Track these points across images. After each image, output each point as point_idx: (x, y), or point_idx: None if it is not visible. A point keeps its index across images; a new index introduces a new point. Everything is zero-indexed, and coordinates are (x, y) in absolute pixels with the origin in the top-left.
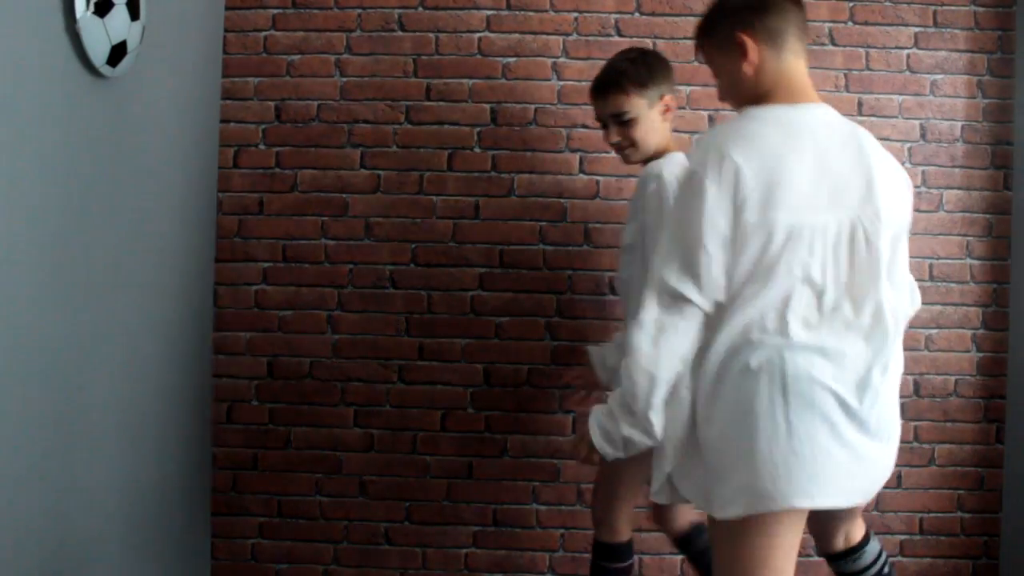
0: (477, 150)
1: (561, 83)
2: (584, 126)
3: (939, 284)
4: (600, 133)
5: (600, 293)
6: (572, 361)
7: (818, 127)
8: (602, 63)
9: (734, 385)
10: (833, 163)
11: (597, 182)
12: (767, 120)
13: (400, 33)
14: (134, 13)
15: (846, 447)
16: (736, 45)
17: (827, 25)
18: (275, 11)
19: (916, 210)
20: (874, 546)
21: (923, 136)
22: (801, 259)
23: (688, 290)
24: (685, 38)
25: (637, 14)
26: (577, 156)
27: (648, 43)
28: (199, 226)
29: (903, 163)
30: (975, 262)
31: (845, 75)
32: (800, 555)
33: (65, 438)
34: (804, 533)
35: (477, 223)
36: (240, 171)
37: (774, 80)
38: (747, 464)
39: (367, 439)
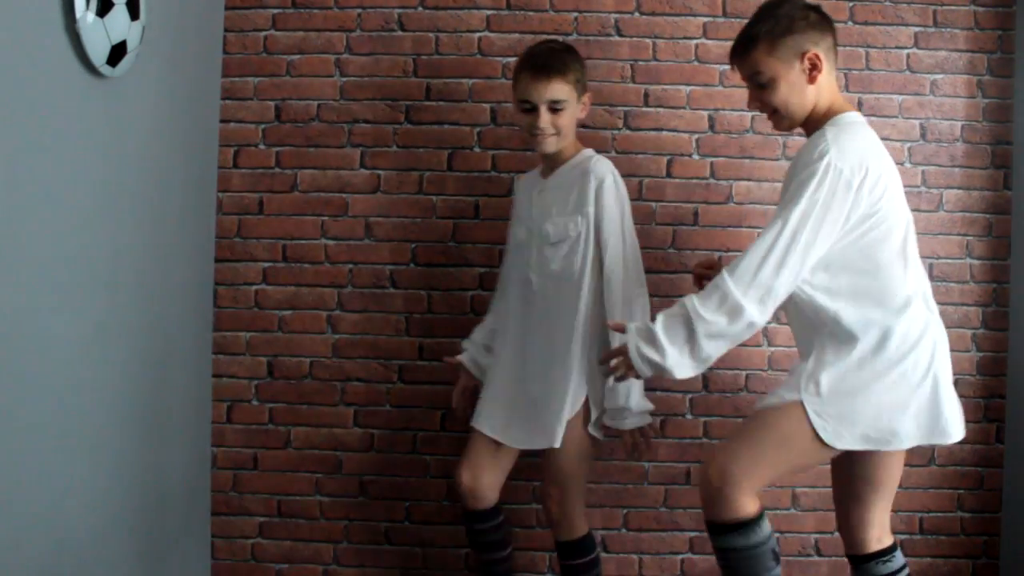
0: (477, 150)
1: None
2: (584, 125)
3: (939, 284)
4: (598, 133)
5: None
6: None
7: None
8: (602, 63)
9: None
10: None
11: None
12: (864, 125)
13: (400, 33)
14: (134, 13)
15: None
16: (806, 63)
17: None
18: (275, 11)
19: (916, 210)
20: (901, 557)
21: (923, 136)
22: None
23: None
24: (685, 38)
25: (637, 14)
26: None
27: (648, 43)
28: (199, 226)
29: (903, 163)
30: (975, 262)
31: (845, 75)
32: (800, 555)
33: (65, 438)
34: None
35: (477, 223)
36: (240, 171)
37: (830, 94)
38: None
39: (367, 439)
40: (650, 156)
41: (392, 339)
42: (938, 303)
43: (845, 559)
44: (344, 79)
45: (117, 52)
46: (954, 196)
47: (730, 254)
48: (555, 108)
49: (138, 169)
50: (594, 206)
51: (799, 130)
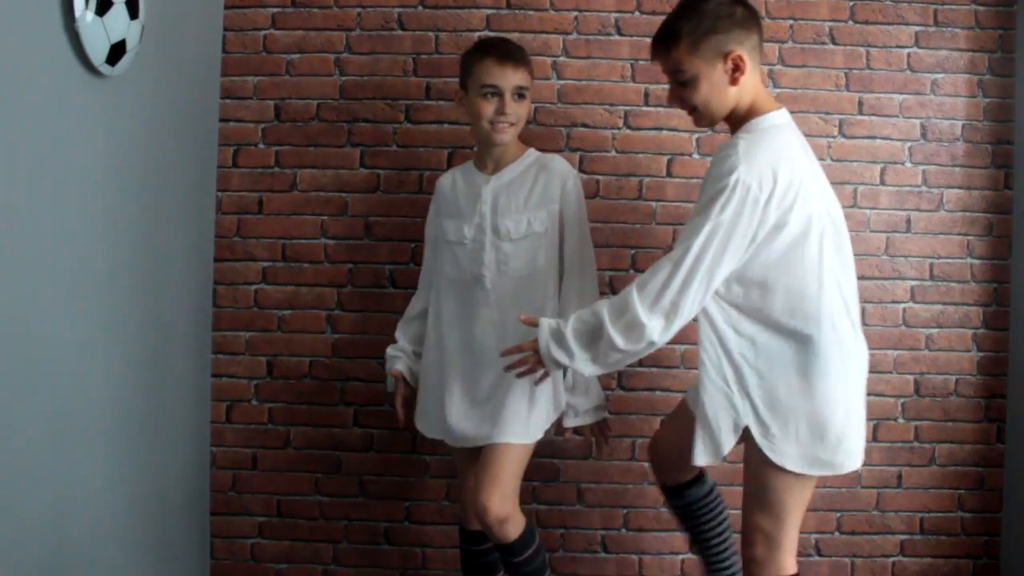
0: (476, 149)
1: (561, 82)
2: (584, 125)
3: (940, 283)
4: (598, 133)
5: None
6: None
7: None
8: (603, 62)
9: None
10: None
11: (597, 181)
12: (781, 129)
13: (400, 32)
14: (133, 12)
15: None
16: (729, 63)
17: (827, 24)
18: (274, 10)
19: (916, 209)
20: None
21: (924, 135)
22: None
23: None
24: None
25: (637, 13)
26: (577, 155)
27: (648, 42)
28: (198, 225)
29: (904, 162)
30: (976, 261)
31: (846, 74)
32: (800, 555)
33: (64, 438)
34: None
35: None
36: (239, 170)
37: (752, 93)
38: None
39: (367, 439)
40: (650, 156)
41: (392, 339)
42: (938, 303)
43: (845, 559)
44: (344, 78)
45: (116, 51)
46: (955, 195)
47: None
48: (520, 94)
49: (137, 168)
50: (560, 203)
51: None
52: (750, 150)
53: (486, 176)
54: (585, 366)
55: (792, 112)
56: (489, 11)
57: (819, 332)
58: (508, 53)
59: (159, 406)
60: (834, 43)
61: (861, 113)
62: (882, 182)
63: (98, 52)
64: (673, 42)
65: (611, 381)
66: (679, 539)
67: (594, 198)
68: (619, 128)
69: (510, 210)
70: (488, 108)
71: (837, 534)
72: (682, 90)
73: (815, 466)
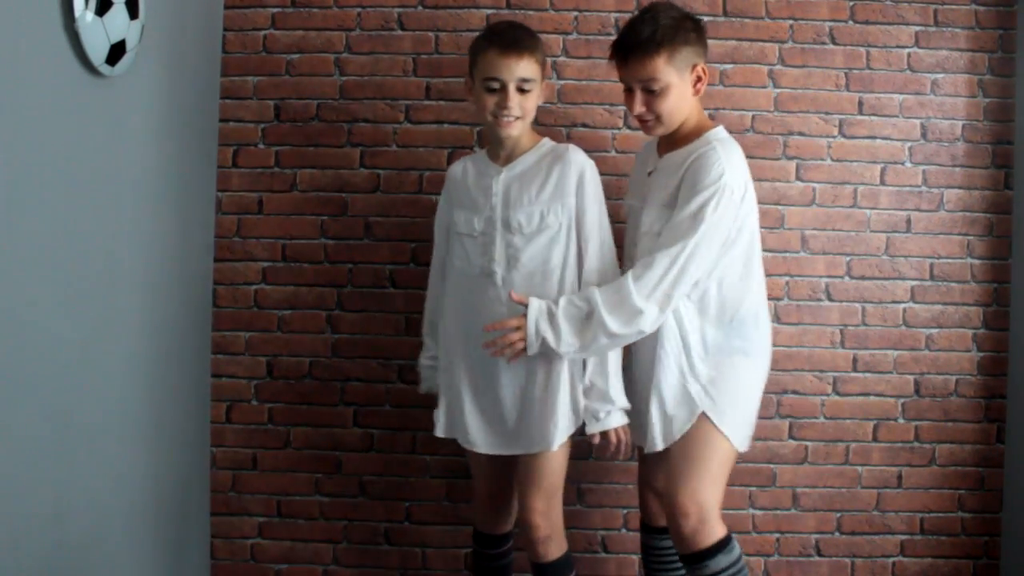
0: (477, 149)
1: (561, 82)
2: (584, 125)
3: (940, 283)
4: (598, 133)
5: None
6: None
7: None
8: (602, 62)
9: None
10: None
11: None
12: (734, 140)
13: (400, 32)
14: (133, 12)
15: None
16: (695, 74)
17: (827, 24)
18: (274, 10)
19: (917, 209)
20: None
21: (924, 135)
22: None
23: None
24: None
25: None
26: None
27: None
28: (198, 225)
29: (904, 162)
30: (976, 261)
31: (846, 74)
32: (800, 555)
33: (64, 438)
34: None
35: None
36: (239, 170)
37: (698, 105)
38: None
39: (367, 439)
40: None
41: (392, 339)
42: (939, 303)
43: (845, 559)
44: (344, 78)
45: (116, 51)
46: (955, 196)
47: None
48: (524, 88)
49: (137, 168)
50: (575, 196)
51: (794, 129)
52: (730, 158)
53: (498, 167)
54: (568, 348)
55: (792, 112)
56: (489, 11)
57: (756, 324)
58: (511, 42)
59: (159, 406)
60: (834, 43)
61: (861, 113)
62: (882, 182)
63: (98, 52)
64: (654, 51)
65: None
66: None
67: None
68: (619, 128)
69: (522, 203)
70: (490, 101)
71: (837, 534)
72: (651, 98)
73: (746, 442)
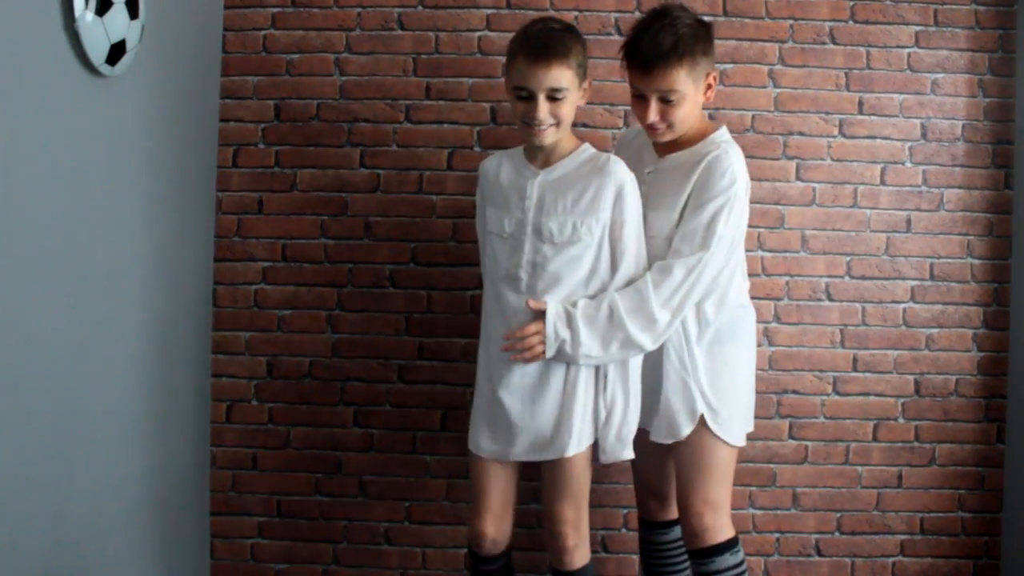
0: (477, 149)
1: None
2: (584, 125)
3: (940, 283)
4: (598, 133)
5: None
6: None
7: None
8: (603, 62)
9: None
10: None
11: None
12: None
13: (400, 32)
14: (133, 12)
15: None
16: (708, 82)
17: (827, 24)
18: (274, 10)
19: (917, 209)
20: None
21: (924, 135)
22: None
23: None
24: None
25: (637, 12)
26: None
27: None
28: (198, 225)
29: (904, 162)
30: (976, 261)
31: (846, 74)
32: (800, 555)
33: (64, 437)
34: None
35: None
36: (239, 170)
37: (701, 111)
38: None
39: (367, 439)
40: None
41: (392, 339)
42: (939, 303)
43: (845, 559)
44: (344, 78)
45: (116, 51)
46: (955, 195)
47: None
48: (554, 96)
49: (137, 168)
50: (612, 211)
51: (794, 129)
52: (738, 160)
53: (535, 169)
54: (586, 350)
55: (792, 112)
56: (489, 11)
57: (744, 318)
58: (540, 50)
59: (159, 406)
60: (834, 43)
61: (861, 113)
62: (882, 182)
63: (98, 52)
64: (677, 63)
65: None
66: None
67: None
68: (619, 128)
69: (556, 211)
70: (520, 109)
71: (837, 534)
72: (666, 107)
73: (743, 434)
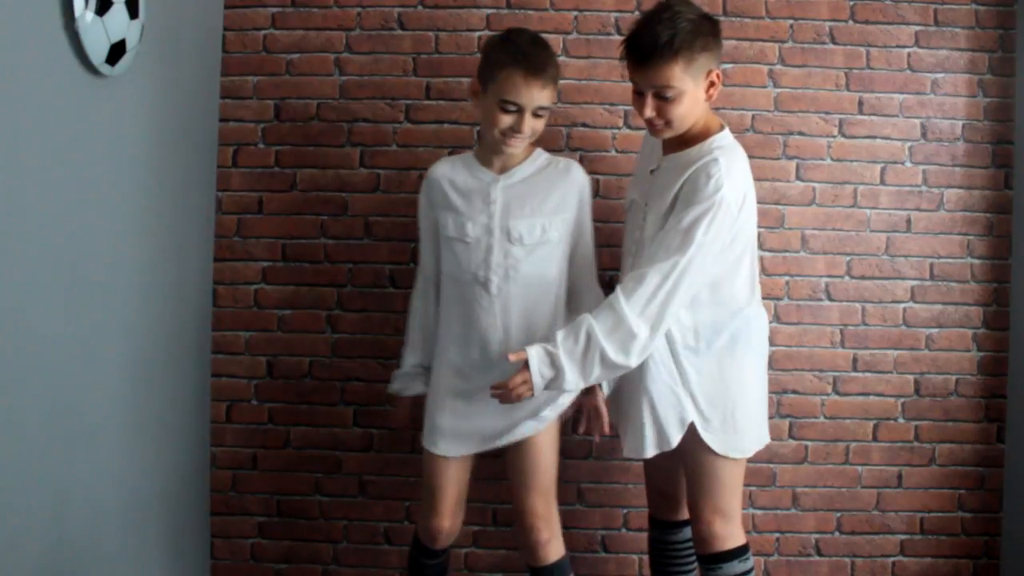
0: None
1: (561, 82)
2: (584, 124)
3: (940, 283)
4: (598, 132)
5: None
6: None
7: None
8: (602, 61)
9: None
10: None
11: (597, 181)
12: (739, 146)
13: (400, 32)
14: (133, 12)
15: None
16: (709, 79)
17: (827, 24)
18: (274, 10)
19: (917, 209)
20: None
21: (924, 135)
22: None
23: None
24: None
25: (637, 12)
26: (577, 155)
27: None
28: (198, 225)
29: (904, 162)
30: (976, 261)
31: (846, 74)
32: (800, 555)
33: (64, 437)
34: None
35: None
36: (239, 170)
37: (708, 108)
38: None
39: (367, 438)
40: None
41: (392, 339)
42: (939, 303)
43: (845, 559)
44: (344, 78)
45: (116, 51)
46: (955, 195)
47: None
48: (539, 113)
49: (137, 168)
50: (576, 211)
51: (794, 128)
52: (730, 167)
53: (493, 174)
54: (571, 386)
55: (792, 112)
56: (489, 11)
57: (747, 328)
58: (539, 69)
59: (159, 405)
60: (834, 43)
61: (861, 113)
62: (882, 182)
63: (98, 52)
64: (672, 58)
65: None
66: None
67: (594, 198)
68: (619, 128)
69: (523, 213)
70: (504, 121)
71: (837, 534)
72: (662, 104)
73: (752, 447)
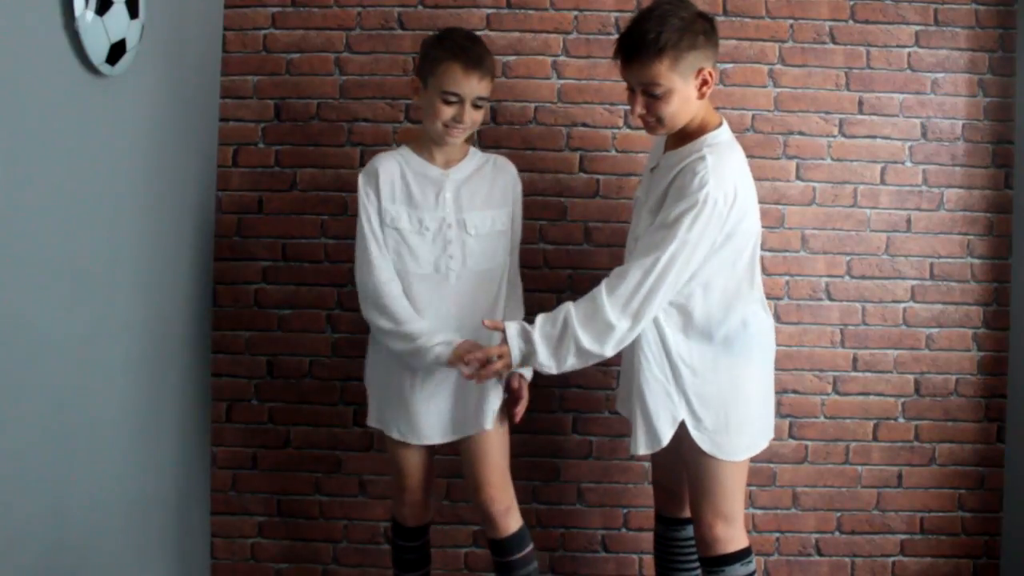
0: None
1: (561, 81)
2: (584, 124)
3: (940, 283)
4: (598, 132)
5: None
6: None
7: None
8: (602, 61)
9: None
10: None
11: (597, 181)
12: (734, 143)
13: (400, 32)
14: (133, 11)
15: None
16: (700, 77)
17: (828, 23)
18: (274, 9)
19: (917, 209)
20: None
21: (924, 135)
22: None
23: None
24: None
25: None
26: (577, 155)
27: None
28: (198, 225)
29: (904, 162)
30: (976, 261)
31: (846, 73)
32: (800, 555)
33: (64, 437)
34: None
35: None
36: (239, 170)
37: (705, 105)
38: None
39: (366, 438)
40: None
41: None
42: (939, 302)
43: (845, 559)
44: (344, 78)
45: (116, 51)
46: (955, 195)
47: None
48: (478, 104)
49: (137, 168)
50: (513, 205)
51: (794, 128)
52: (718, 165)
53: (439, 169)
54: (545, 364)
55: (792, 112)
56: (489, 11)
57: (744, 330)
58: (476, 61)
59: (159, 406)
60: (834, 43)
61: (861, 113)
62: (882, 182)
63: (98, 52)
64: (656, 56)
65: (613, 381)
66: None
67: (594, 197)
68: (619, 128)
69: (474, 206)
70: (446, 113)
71: (837, 534)
72: (652, 101)
73: (747, 451)
